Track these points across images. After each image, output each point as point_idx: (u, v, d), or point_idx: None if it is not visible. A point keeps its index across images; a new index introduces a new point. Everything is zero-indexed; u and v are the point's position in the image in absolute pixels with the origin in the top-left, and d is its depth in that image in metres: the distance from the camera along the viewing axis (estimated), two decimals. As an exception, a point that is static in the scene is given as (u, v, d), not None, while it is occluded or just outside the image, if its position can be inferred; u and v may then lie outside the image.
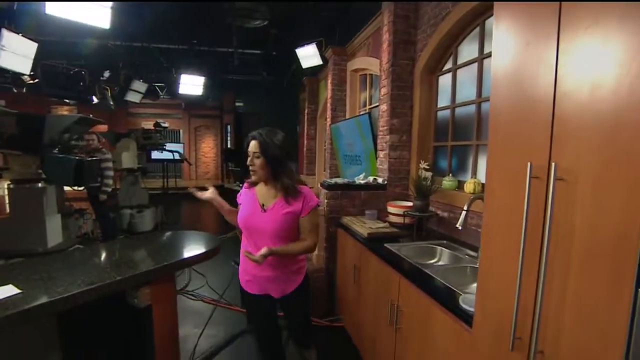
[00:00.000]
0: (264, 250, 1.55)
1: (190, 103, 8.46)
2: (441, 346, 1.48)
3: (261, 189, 1.72)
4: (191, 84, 6.84)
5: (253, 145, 1.63)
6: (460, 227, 1.82)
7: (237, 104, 9.39)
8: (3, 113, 2.88)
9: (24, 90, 5.91)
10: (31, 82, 5.88)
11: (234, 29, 5.29)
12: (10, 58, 4.20)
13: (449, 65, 2.81)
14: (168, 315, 1.88)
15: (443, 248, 2.21)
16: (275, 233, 1.64)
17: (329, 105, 5.23)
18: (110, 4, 3.69)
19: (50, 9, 3.50)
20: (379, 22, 3.72)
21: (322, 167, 7.24)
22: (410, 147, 3.09)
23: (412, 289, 1.71)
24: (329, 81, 5.21)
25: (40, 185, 3.23)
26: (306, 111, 7.65)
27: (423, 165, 2.77)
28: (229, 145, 9.86)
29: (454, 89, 2.73)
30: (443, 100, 2.92)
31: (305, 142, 7.69)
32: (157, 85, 7.99)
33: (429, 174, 2.67)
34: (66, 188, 3.61)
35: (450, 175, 2.63)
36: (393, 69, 2.99)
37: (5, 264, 2.48)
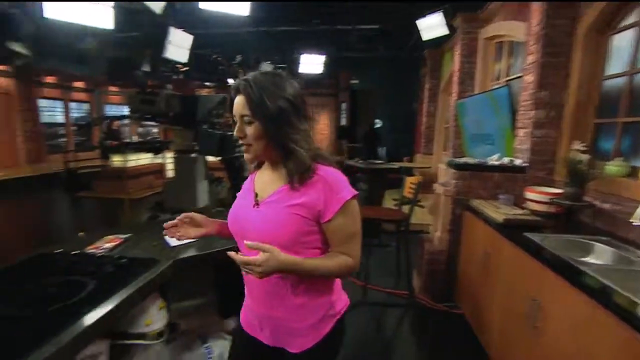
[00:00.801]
0: (261, 256, 0.89)
1: (308, 82, 8.92)
2: (600, 355, 1.26)
3: (264, 172, 1.10)
4: (311, 63, 7.13)
5: (239, 105, 0.96)
6: (636, 223, 1.48)
7: (353, 81, 9.46)
8: (172, 96, 3.52)
9: (180, 76, 7.07)
10: (183, 69, 7.01)
11: (350, 5, 5.23)
12: (174, 50, 5.08)
13: (629, 19, 2.22)
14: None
15: (603, 245, 1.85)
16: (269, 239, 0.93)
17: (455, 79, 4.80)
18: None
19: (203, 4, 4.03)
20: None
21: (442, 146, 6.81)
22: (559, 124, 2.62)
23: (562, 286, 1.48)
24: (457, 52, 4.75)
25: (193, 155, 3.88)
26: (427, 86, 7.21)
27: (578, 145, 2.33)
28: (342, 123, 10.12)
29: (635, 49, 2.16)
30: (613, 66, 2.36)
31: (425, 119, 7.29)
32: (280, 66, 8.60)
33: (585, 157, 2.24)
34: (209, 158, 4.24)
35: (620, 158, 2.14)
36: (545, 31, 2.52)
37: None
